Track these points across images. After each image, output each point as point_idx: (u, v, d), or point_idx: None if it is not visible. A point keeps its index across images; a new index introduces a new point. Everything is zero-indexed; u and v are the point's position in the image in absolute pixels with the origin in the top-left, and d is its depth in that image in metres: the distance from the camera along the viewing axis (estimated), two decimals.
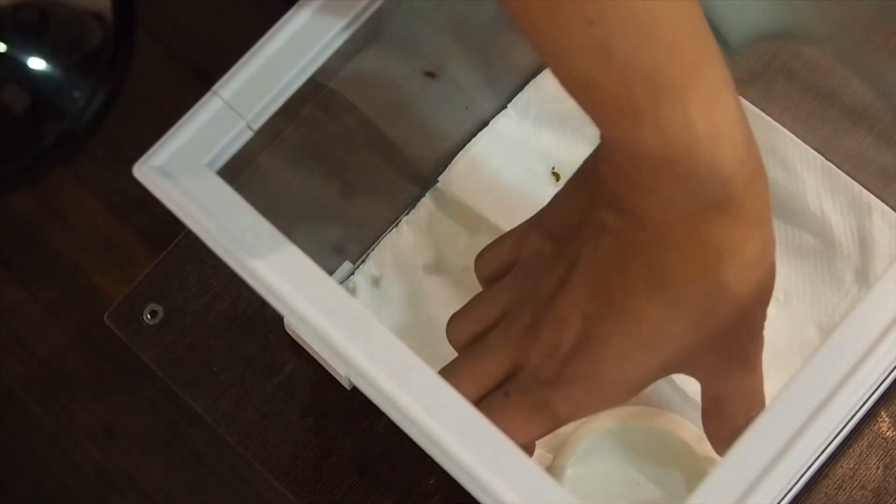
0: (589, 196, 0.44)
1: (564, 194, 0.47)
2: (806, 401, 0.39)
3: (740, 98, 0.41)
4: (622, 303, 0.43)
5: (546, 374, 0.45)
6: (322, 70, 0.46)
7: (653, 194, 0.40)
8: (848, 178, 0.58)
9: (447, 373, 0.49)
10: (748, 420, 0.46)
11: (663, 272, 0.41)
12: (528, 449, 0.50)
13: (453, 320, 0.51)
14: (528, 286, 0.47)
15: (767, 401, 0.43)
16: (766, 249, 0.42)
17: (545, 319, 0.45)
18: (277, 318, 0.57)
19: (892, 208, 0.58)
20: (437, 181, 0.60)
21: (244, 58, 0.45)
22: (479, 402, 0.47)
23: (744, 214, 0.41)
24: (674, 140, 0.38)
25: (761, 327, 0.44)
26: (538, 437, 0.48)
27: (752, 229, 0.41)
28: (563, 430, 0.51)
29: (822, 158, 0.59)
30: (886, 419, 0.54)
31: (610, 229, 0.42)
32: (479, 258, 0.51)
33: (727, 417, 0.47)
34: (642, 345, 0.43)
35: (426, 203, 0.61)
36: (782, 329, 0.56)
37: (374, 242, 0.60)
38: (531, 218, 0.49)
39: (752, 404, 0.46)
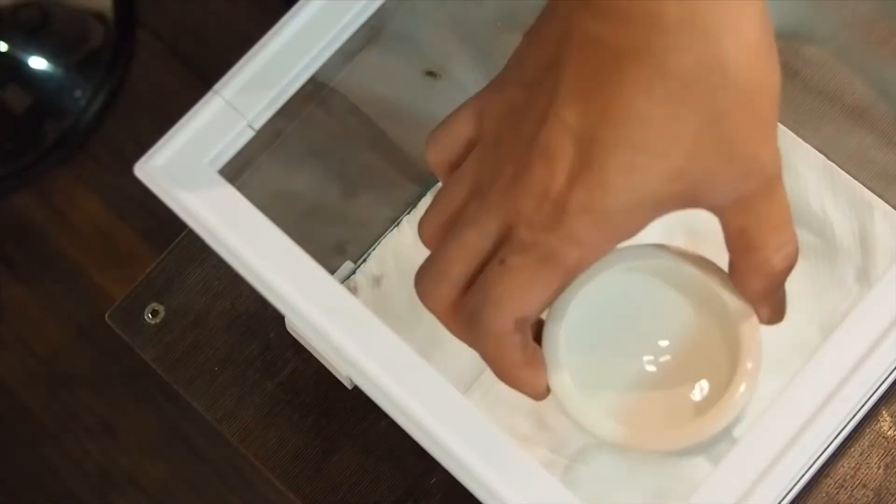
0: (560, 26, 0.40)
1: (526, 44, 0.42)
2: (807, 400, 0.39)
3: None
4: (621, 109, 0.38)
5: (543, 219, 0.40)
6: (323, 69, 0.46)
7: None
8: (849, 177, 0.58)
9: (428, 264, 0.44)
10: (782, 257, 0.42)
11: (661, 66, 0.38)
12: (538, 321, 0.45)
13: (423, 220, 0.45)
14: (502, 146, 0.42)
15: (768, 402, 0.42)
16: (765, 29, 0.39)
17: (531, 161, 0.40)
18: (278, 318, 0.57)
19: (894, 208, 0.58)
20: (438, 181, 0.60)
21: (245, 57, 0.45)
22: (474, 282, 0.42)
23: None
24: None
25: (773, 129, 0.41)
26: (549, 300, 0.42)
27: (748, 5, 0.38)
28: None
29: (824, 158, 0.59)
30: (888, 419, 0.54)
31: (597, 39, 0.38)
32: (432, 142, 0.45)
33: (758, 248, 0.42)
34: (650, 152, 0.39)
35: (427, 202, 0.60)
36: (783, 328, 0.56)
37: (375, 242, 0.60)
38: (486, 88, 0.44)
39: (782, 236, 0.42)
